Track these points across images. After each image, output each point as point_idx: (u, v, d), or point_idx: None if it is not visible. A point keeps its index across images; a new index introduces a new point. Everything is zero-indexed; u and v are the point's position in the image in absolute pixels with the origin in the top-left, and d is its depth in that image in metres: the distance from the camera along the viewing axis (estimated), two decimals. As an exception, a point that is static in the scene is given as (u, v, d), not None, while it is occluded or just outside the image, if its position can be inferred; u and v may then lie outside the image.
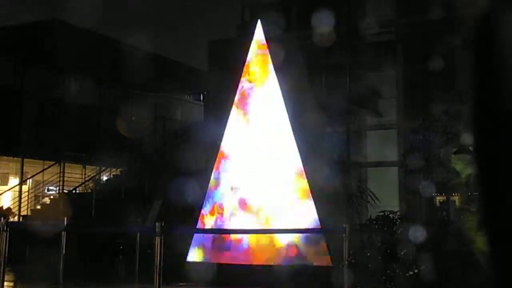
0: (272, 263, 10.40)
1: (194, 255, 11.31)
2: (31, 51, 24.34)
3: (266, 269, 10.39)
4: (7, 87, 23.93)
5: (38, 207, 21.93)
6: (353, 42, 20.60)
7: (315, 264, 10.10)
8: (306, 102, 12.09)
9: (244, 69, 11.60)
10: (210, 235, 11.33)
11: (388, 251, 8.67)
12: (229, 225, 11.04)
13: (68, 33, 25.69)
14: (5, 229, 8.24)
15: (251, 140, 11.21)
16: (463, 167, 8.54)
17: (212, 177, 11.54)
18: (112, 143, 22.30)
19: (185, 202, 13.22)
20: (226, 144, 11.50)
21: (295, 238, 10.44)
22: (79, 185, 22.49)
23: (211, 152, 12.02)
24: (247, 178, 11.11)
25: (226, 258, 10.92)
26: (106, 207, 17.53)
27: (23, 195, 22.29)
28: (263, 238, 10.62)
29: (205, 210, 11.46)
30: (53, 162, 22.79)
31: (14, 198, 22.96)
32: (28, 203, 22.65)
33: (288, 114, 10.95)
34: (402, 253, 8.47)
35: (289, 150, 10.80)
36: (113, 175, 23.55)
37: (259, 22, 11.81)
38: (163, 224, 7.30)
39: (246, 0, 24.08)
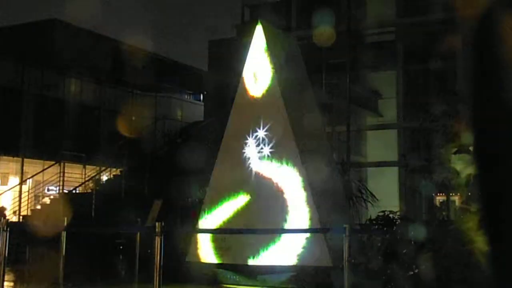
0: (272, 263, 10.40)
1: (194, 255, 11.30)
2: (31, 51, 24.34)
3: (266, 269, 10.39)
4: (7, 87, 23.94)
5: (38, 207, 21.93)
6: (353, 42, 20.59)
7: (315, 264, 10.10)
8: (306, 102, 12.09)
9: (244, 69, 11.60)
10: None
11: (388, 251, 8.67)
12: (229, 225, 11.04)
13: (68, 33, 25.70)
14: (5, 229, 8.24)
15: (250, 140, 11.20)
16: (463, 167, 8.53)
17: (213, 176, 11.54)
18: (112, 143, 22.31)
19: (185, 202, 13.23)
20: (226, 144, 11.50)
21: (295, 238, 10.43)
22: (79, 185, 22.48)
23: (211, 152, 12.03)
24: (247, 178, 11.10)
25: (226, 258, 10.92)
26: (106, 207, 17.53)
27: (23, 195, 22.30)
28: (263, 238, 10.61)
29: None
30: (53, 162, 22.78)
31: (14, 198, 22.96)
32: (28, 203, 22.66)
33: (288, 114, 10.95)
34: (402, 253, 8.47)
35: (289, 150, 10.80)
36: (113, 175, 23.54)
37: (259, 21, 11.81)
38: (163, 224, 7.31)
39: (246, 0, 24.07)
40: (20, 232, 13.57)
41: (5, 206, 21.59)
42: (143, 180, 19.27)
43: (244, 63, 11.63)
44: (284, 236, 10.46)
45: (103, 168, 23.61)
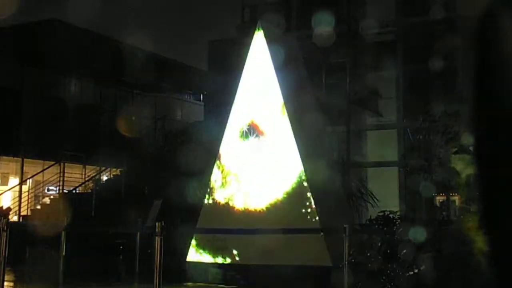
0: (272, 263, 10.40)
1: (194, 255, 11.30)
2: (31, 51, 24.33)
3: (266, 269, 10.38)
4: (7, 87, 23.93)
5: (38, 207, 21.93)
6: (353, 42, 20.59)
7: (315, 264, 10.10)
8: (306, 102, 12.09)
9: (244, 69, 11.60)
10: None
11: (388, 251, 8.67)
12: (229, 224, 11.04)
13: (68, 33, 25.69)
14: (5, 229, 8.24)
15: (251, 140, 11.21)
16: (463, 167, 8.54)
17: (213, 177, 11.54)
18: (112, 143, 22.31)
19: (185, 202, 13.22)
20: (226, 144, 11.51)
21: (295, 238, 10.42)
22: (79, 185, 22.48)
23: (211, 152, 12.03)
24: (247, 178, 11.11)
25: (226, 258, 10.92)
26: (106, 207, 17.52)
27: (23, 195, 22.30)
28: (263, 238, 10.61)
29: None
30: (53, 162, 22.78)
31: (14, 198, 22.96)
32: (28, 203, 22.66)
33: (288, 114, 10.95)
34: (402, 253, 8.47)
35: (289, 150, 10.80)
36: (113, 175, 23.54)
37: (259, 22, 11.81)
38: (163, 224, 7.31)
39: (246, 0, 24.07)
40: (20, 232, 13.56)
41: (10, 207, 21.60)
42: (143, 180, 19.26)
43: (244, 63, 11.63)
44: (284, 236, 10.45)
45: (103, 168, 23.62)
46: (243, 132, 11.34)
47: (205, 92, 30.25)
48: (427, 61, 18.47)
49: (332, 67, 21.23)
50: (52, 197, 22.55)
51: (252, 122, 11.29)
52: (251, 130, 11.26)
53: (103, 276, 12.33)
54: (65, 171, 22.32)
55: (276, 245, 10.45)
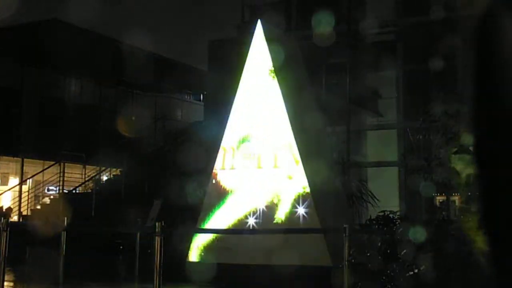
0: (272, 263, 10.40)
1: (194, 255, 11.31)
2: (31, 51, 24.34)
3: (266, 269, 10.39)
4: (7, 87, 23.94)
5: (38, 207, 21.94)
6: (353, 42, 20.59)
7: (315, 264, 10.10)
8: (306, 102, 12.09)
9: (244, 69, 11.60)
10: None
11: (388, 251, 8.66)
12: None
13: (68, 33, 25.69)
14: (5, 229, 8.24)
15: (251, 140, 11.21)
16: (463, 167, 8.53)
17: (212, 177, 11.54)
18: (112, 143, 22.32)
19: (185, 202, 13.24)
20: (226, 144, 11.51)
21: (295, 238, 10.43)
22: (79, 185, 22.49)
23: (211, 152, 12.04)
24: (247, 178, 11.11)
25: (226, 258, 10.91)
26: (106, 207, 17.53)
27: (23, 195, 22.30)
28: (263, 238, 10.62)
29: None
30: (53, 162, 22.79)
31: (14, 198, 22.97)
32: (28, 203, 22.67)
33: (288, 114, 10.95)
34: (402, 253, 8.47)
35: (289, 150, 10.80)
36: (113, 175, 23.55)
37: (259, 22, 11.81)
38: (163, 224, 7.31)
39: (246, 0, 24.06)
40: (20, 232, 13.58)
41: (11, 207, 21.61)
42: (143, 180, 19.27)
43: (244, 63, 11.64)
44: (284, 236, 10.46)
45: (103, 168, 23.63)
46: (242, 132, 11.34)
47: (205, 92, 30.24)
48: (427, 61, 18.47)
49: (332, 67, 21.23)
50: (52, 197, 22.56)
51: (252, 122, 11.29)
52: (251, 130, 11.26)
53: (103, 276, 12.33)
54: (65, 171, 22.34)
55: (276, 245, 10.45)
